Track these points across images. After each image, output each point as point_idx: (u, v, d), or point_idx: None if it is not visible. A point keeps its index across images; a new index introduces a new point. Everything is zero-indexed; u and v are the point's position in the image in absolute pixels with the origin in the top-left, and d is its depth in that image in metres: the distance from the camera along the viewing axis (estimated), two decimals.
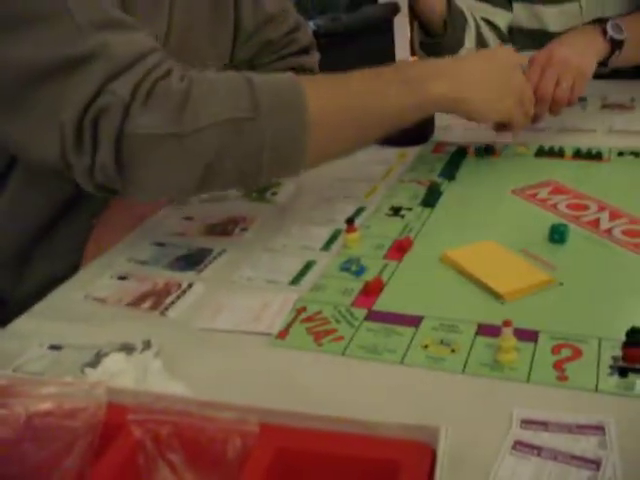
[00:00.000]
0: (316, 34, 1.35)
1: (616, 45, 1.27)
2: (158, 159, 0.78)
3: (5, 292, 1.01)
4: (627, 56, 1.31)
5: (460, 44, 1.50)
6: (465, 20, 1.51)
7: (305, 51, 1.27)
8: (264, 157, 0.81)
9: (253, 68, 1.22)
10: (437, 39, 1.48)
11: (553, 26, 1.60)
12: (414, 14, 1.48)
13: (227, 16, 1.15)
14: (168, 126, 0.77)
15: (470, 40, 1.52)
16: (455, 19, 1.48)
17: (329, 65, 1.40)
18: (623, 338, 0.66)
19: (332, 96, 0.88)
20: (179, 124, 0.77)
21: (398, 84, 0.92)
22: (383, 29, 5.14)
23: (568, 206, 0.96)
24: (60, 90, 0.77)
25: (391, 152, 1.19)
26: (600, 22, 1.28)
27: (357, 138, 0.92)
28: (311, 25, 4.27)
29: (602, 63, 1.27)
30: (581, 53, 1.23)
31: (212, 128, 0.78)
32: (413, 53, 1.57)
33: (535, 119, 1.16)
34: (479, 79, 1.01)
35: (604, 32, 1.26)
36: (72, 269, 0.99)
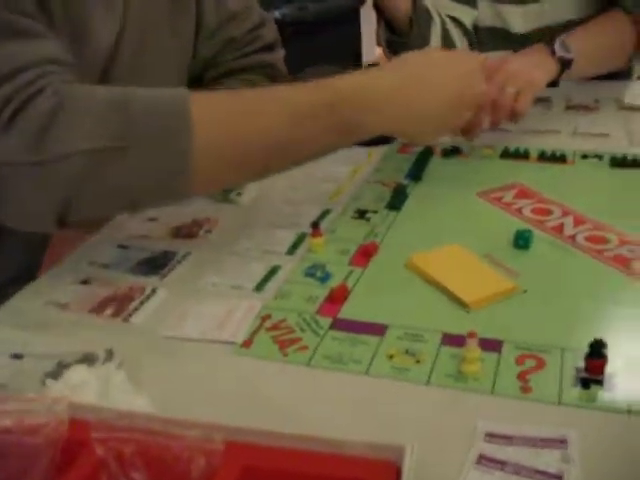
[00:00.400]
0: (282, 23, 1.35)
1: (565, 64, 1.28)
2: (15, 187, 0.73)
3: None
4: (580, 70, 1.32)
5: (426, 42, 1.50)
6: (430, 17, 1.51)
7: (269, 48, 1.26)
8: (135, 189, 0.74)
9: (216, 65, 1.21)
10: (403, 38, 1.48)
11: (516, 26, 1.60)
12: (378, 11, 1.48)
13: (188, 10, 1.14)
14: (26, 153, 0.71)
15: (436, 38, 1.52)
16: (420, 17, 1.47)
17: (295, 54, 1.40)
18: (586, 349, 0.67)
19: (231, 125, 0.79)
20: (37, 152, 0.70)
21: (324, 125, 0.83)
22: (350, 19, 5.15)
23: (533, 210, 0.96)
24: None
25: (357, 151, 1.18)
26: (549, 43, 1.30)
27: (261, 171, 0.85)
28: (277, 14, 4.26)
29: (552, 83, 1.28)
30: (531, 69, 1.24)
31: (73, 157, 0.71)
32: (379, 43, 1.56)
33: (473, 126, 1.13)
34: (425, 108, 0.92)
35: (553, 52, 1.27)
36: (27, 270, 0.98)
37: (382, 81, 0.90)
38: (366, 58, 5.59)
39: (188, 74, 1.18)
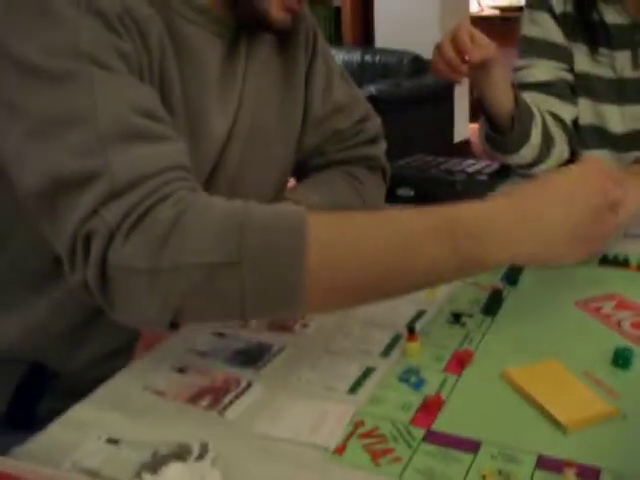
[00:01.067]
0: (377, 99, 1.38)
1: None
2: (131, 292, 0.75)
3: (57, 366, 1.02)
4: None
5: (527, 139, 1.50)
6: (532, 114, 1.52)
7: (373, 141, 1.29)
8: (246, 303, 0.75)
9: (320, 155, 1.24)
10: (503, 135, 1.49)
11: (614, 126, 1.60)
12: (481, 108, 1.49)
13: (297, 97, 1.17)
14: (144, 260, 0.73)
15: (536, 135, 1.52)
16: (522, 114, 1.48)
17: (388, 129, 1.42)
18: None
19: (345, 249, 0.78)
20: (155, 260, 0.73)
21: (440, 254, 0.80)
22: (443, 96, 5.21)
23: (632, 325, 0.94)
24: (64, 204, 0.77)
25: None
26: None
27: (374, 297, 0.83)
28: (372, 90, 4.33)
29: None
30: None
31: (189, 269, 0.73)
32: (472, 120, 1.58)
33: None
34: (554, 241, 0.86)
35: None
36: (128, 344, 1.00)
37: (506, 211, 0.85)
38: (457, 135, 5.63)
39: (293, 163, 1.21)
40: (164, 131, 0.82)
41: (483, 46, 1.34)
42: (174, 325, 0.78)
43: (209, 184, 1.03)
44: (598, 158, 0.90)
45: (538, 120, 1.53)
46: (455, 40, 1.34)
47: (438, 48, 1.37)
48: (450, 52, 1.35)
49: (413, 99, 4.44)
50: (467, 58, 1.32)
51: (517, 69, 1.65)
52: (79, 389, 0.83)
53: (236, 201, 0.79)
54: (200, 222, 0.75)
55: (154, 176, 0.77)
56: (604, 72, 1.60)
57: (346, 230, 0.80)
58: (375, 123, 1.31)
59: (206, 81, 0.99)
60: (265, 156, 1.14)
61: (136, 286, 0.74)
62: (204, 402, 0.80)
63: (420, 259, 0.79)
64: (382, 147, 1.33)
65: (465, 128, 5.61)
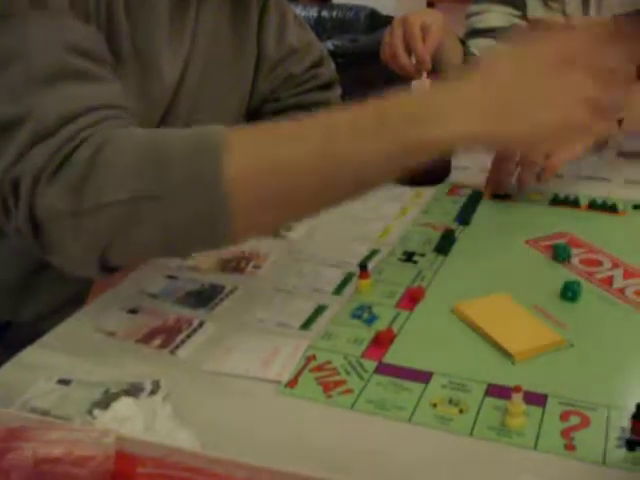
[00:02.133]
0: (334, 54, 1.37)
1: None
2: (58, 237, 0.73)
3: (8, 316, 1.01)
4: (630, 125, 1.24)
5: None
6: None
7: (327, 86, 1.28)
8: (172, 236, 0.73)
9: (274, 101, 1.23)
10: None
11: None
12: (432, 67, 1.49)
13: (250, 45, 1.16)
14: (65, 204, 0.71)
15: None
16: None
17: (346, 85, 1.41)
18: (633, 409, 0.66)
19: (266, 150, 0.73)
20: (76, 202, 0.71)
21: (372, 142, 0.72)
22: None
23: (582, 261, 0.96)
24: None
25: (406, 191, 1.19)
26: None
27: (307, 205, 0.77)
28: (329, 45, 4.29)
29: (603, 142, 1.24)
30: None
31: (110, 207, 0.71)
32: (428, 75, 1.57)
33: (500, 185, 1.16)
34: (506, 111, 0.75)
35: None
36: (81, 293, 0.99)
37: (443, 90, 0.77)
38: (416, 90, 5.61)
39: (247, 108, 1.20)
40: (99, 72, 0.80)
41: (432, 37, 1.33)
42: (110, 270, 0.76)
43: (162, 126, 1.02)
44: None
45: None
46: (407, 40, 1.33)
47: (389, 48, 1.36)
48: (404, 58, 1.34)
49: (370, 54, 4.41)
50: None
51: (470, 15, 1.65)
52: (33, 339, 0.82)
53: (156, 130, 0.77)
54: (117, 158, 0.72)
55: (80, 116, 0.74)
56: (556, 18, 1.60)
57: (267, 134, 0.75)
58: (330, 68, 1.30)
59: (155, 22, 0.96)
60: (217, 101, 1.12)
61: (60, 229, 0.72)
62: (156, 342, 0.80)
63: (348, 149, 0.72)
64: (337, 93, 1.33)
65: (425, 84, 5.60)
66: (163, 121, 1.02)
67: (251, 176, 0.72)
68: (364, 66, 4.55)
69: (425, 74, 1.40)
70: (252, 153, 0.73)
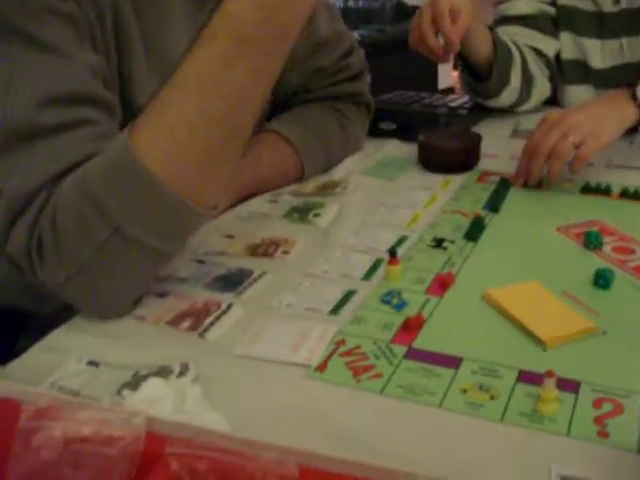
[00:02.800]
0: (360, 44, 1.36)
1: None
2: (74, 294, 0.80)
3: (32, 307, 1.01)
4: None
5: (506, 83, 1.50)
6: (511, 57, 1.51)
7: (357, 77, 1.27)
8: (154, 243, 0.77)
9: (304, 92, 1.23)
10: (484, 82, 1.49)
11: (595, 61, 1.59)
12: (460, 57, 1.48)
13: None
14: (61, 274, 0.78)
15: (516, 79, 1.51)
16: (500, 59, 1.47)
17: (373, 76, 1.41)
18: None
19: (169, 136, 0.75)
20: (66, 270, 0.77)
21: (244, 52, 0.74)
22: None
23: (614, 249, 0.94)
24: None
25: (435, 178, 1.19)
26: (631, 85, 1.20)
27: (227, 148, 0.78)
28: (356, 35, 4.26)
29: (633, 129, 1.20)
30: (599, 120, 1.15)
31: (87, 260, 0.76)
32: (456, 67, 1.57)
33: (531, 175, 1.14)
34: None
35: (634, 97, 1.18)
36: None
37: None
38: (442, 82, 5.58)
39: (276, 99, 1.19)
40: (79, 116, 0.82)
41: (462, 20, 1.32)
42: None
43: None
44: None
45: (517, 62, 1.52)
46: (436, 22, 1.32)
47: (418, 30, 1.35)
48: (432, 39, 1.33)
49: (397, 45, 4.38)
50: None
51: (499, 2, 1.64)
52: (58, 326, 0.83)
53: (83, 173, 0.77)
54: (67, 223, 0.76)
55: (42, 188, 0.78)
56: (585, 5, 1.58)
57: (162, 122, 0.76)
58: (359, 57, 1.30)
59: (169, 23, 0.96)
60: None
61: (71, 291, 0.80)
62: (185, 324, 0.79)
63: (233, 84, 0.75)
64: (366, 82, 1.32)
65: (450, 75, 5.55)
66: None
67: (164, 157, 0.75)
68: (391, 56, 4.54)
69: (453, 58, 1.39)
70: (155, 141, 0.75)
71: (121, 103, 0.90)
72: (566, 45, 1.62)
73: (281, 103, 1.23)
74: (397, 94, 1.63)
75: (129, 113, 0.91)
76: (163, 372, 0.70)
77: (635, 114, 1.19)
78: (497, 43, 1.47)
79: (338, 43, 1.24)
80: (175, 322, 0.80)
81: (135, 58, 0.92)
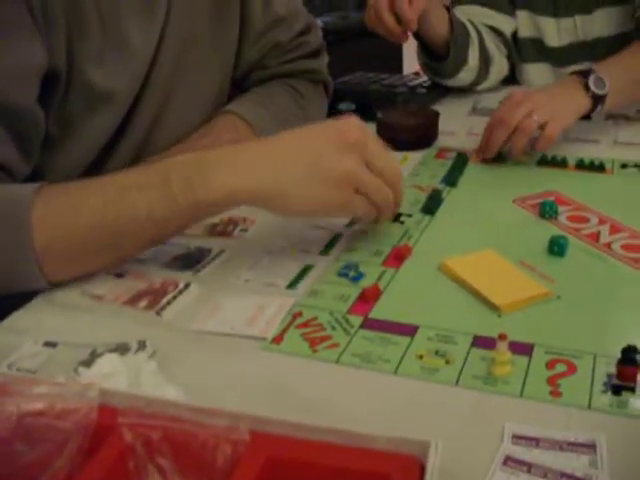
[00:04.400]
0: (324, 31, 1.36)
1: (598, 99, 1.20)
2: None
3: None
4: (613, 104, 1.25)
5: (464, 62, 1.51)
6: (468, 37, 1.51)
7: (314, 54, 1.27)
8: None
9: (261, 68, 1.23)
10: (440, 62, 1.49)
11: (550, 39, 1.60)
12: (416, 37, 1.48)
13: (232, 17, 1.15)
14: None
15: (474, 58, 1.52)
16: (457, 38, 1.48)
17: (337, 63, 1.41)
18: (618, 355, 0.66)
19: (64, 223, 0.79)
20: None
21: (160, 195, 0.78)
22: None
23: (569, 218, 0.96)
24: None
25: (393, 155, 1.19)
26: (584, 74, 1.21)
27: (110, 258, 0.83)
28: (319, 22, 4.26)
29: (586, 116, 1.21)
30: (561, 103, 1.18)
31: None
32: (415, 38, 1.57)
33: (491, 147, 1.16)
34: (276, 165, 0.80)
35: (586, 87, 1.19)
36: None
37: (225, 151, 0.82)
38: (407, 67, 5.59)
39: (234, 76, 1.20)
40: None
41: (418, 0, 1.32)
42: None
43: (139, 102, 1.02)
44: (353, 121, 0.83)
45: (475, 41, 1.53)
46: (391, 3, 1.31)
47: (375, 11, 1.34)
48: (390, 21, 1.32)
49: (361, 32, 4.39)
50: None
51: None
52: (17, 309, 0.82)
53: None
54: None
55: None
56: None
57: (65, 206, 0.80)
58: (317, 35, 1.30)
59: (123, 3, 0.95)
60: (199, 73, 1.12)
61: None
62: (142, 303, 0.79)
63: (140, 213, 0.78)
64: (324, 60, 1.32)
65: (415, 59, 5.58)
66: (141, 95, 1.02)
67: (53, 244, 0.78)
68: (355, 43, 4.54)
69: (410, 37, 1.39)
70: (52, 224, 0.78)
71: (73, 81, 0.90)
72: (523, 23, 1.63)
73: (238, 81, 1.23)
74: (357, 75, 1.63)
75: (81, 91, 0.92)
76: (120, 349, 0.70)
77: (588, 103, 1.20)
78: (454, 23, 1.48)
79: (295, 20, 1.24)
80: (132, 301, 0.80)
81: (90, 37, 0.91)
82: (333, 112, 1.37)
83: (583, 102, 1.19)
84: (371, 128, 1.26)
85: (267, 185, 0.79)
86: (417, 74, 1.76)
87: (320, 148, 0.81)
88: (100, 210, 0.78)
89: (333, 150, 0.80)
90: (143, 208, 0.78)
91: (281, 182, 0.79)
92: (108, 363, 0.65)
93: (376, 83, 1.55)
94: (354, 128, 0.82)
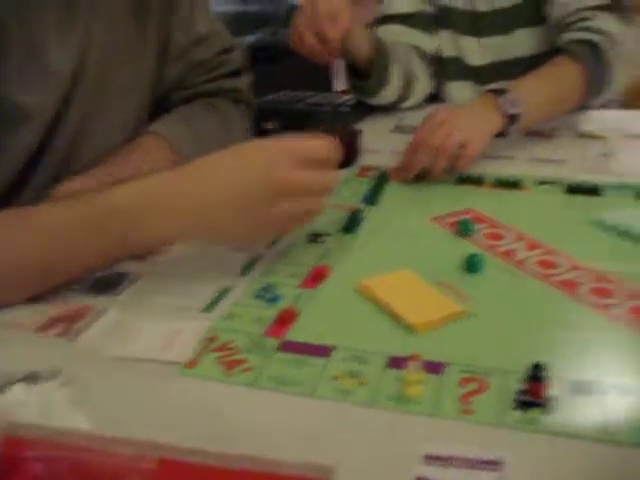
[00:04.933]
0: (254, 48, 1.37)
1: (511, 118, 1.24)
2: None
3: None
4: (530, 121, 1.28)
5: (385, 81, 1.53)
6: (390, 55, 1.54)
7: (236, 73, 1.28)
8: None
9: (183, 88, 1.22)
10: (363, 81, 1.51)
11: (472, 58, 1.64)
12: (342, 54, 1.50)
13: (153, 35, 1.14)
14: None
15: (396, 76, 1.54)
16: (379, 59, 1.50)
17: (266, 80, 1.42)
18: (529, 372, 0.67)
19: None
20: None
21: (96, 237, 0.82)
22: None
23: (485, 235, 0.97)
24: None
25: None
26: (497, 92, 1.25)
27: (42, 287, 0.84)
28: (250, 39, 4.27)
29: (500, 134, 1.25)
30: (479, 122, 1.21)
31: None
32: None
33: (411, 169, 1.18)
34: (215, 222, 0.84)
35: (498, 105, 1.23)
36: None
37: (163, 189, 0.84)
38: (337, 84, 5.63)
39: (155, 95, 1.19)
40: None
41: (341, 22, 1.33)
42: None
43: (61, 119, 1.01)
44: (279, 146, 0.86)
45: (397, 60, 1.56)
46: (314, 24, 1.33)
47: (297, 32, 1.36)
48: (310, 40, 1.34)
49: (290, 49, 4.42)
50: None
51: (380, 1, 1.67)
52: None
53: None
54: None
55: None
56: (461, 4, 1.63)
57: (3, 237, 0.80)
58: (238, 55, 1.30)
59: (44, 24, 0.95)
60: (120, 90, 1.11)
61: None
62: (55, 330, 0.78)
63: (74, 254, 0.82)
64: (246, 80, 1.33)
65: (344, 79, 5.61)
66: (62, 111, 1.01)
67: None
68: (284, 60, 4.56)
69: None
70: None
71: None
72: (445, 43, 1.66)
73: (161, 99, 1.22)
74: (283, 94, 1.64)
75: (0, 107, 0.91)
76: (29, 378, 0.69)
77: (501, 122, 1.23)
78: (376, 42, 1.50)
79: (217, 39, 1.25)
80: (45, 328, 0.78)
81: (10, 55, 0.90)
82: (258, 131, 1.37)
83: (497, 120, 1.21)
84: None
85: (200, 232, 0.86)
86: (344, 92, 1.78)
87: (251, 195, 0.83)
88: (30, 247, 0.80)
89: (264, 199, 0.83)
90: (80, 252, 0.83)
91: (213, 228, 0.85)
92: (16, 393, 0.64)
93: (301, 102, 1.57)
94: (281, 169, 0.84)
